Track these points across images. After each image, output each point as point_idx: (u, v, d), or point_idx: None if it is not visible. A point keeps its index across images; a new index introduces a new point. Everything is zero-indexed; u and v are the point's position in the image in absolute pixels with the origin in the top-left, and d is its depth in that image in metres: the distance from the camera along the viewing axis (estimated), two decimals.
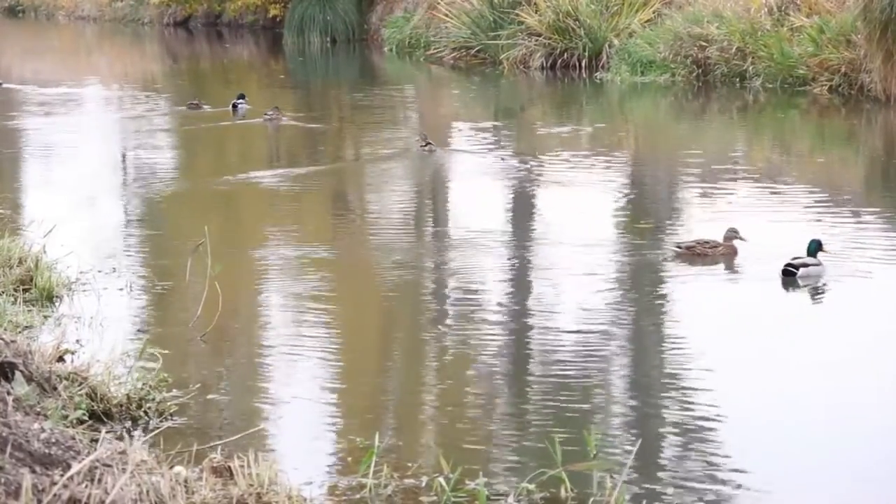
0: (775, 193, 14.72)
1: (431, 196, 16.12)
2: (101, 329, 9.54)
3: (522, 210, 14.81)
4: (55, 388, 7.36)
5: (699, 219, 13.64)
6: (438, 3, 31.64)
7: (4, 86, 28.31)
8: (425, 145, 18.06)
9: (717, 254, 11.52)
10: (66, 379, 7.55)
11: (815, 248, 11.11)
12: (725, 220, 12.24)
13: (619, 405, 8.22)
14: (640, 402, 8.27)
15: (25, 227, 12.68)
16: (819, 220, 13.14)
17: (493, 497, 6.53)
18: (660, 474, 6.99)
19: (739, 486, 6.81)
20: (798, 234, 11.81)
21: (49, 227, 11.41)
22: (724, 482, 6.88)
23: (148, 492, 5.67)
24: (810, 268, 10.94)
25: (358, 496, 6.60)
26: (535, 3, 28.26)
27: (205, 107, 23.36)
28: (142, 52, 41.70)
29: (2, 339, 7.52)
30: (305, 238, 13.09)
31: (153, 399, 7.76)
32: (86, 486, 5.40)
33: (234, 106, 22.64)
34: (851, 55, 22.28)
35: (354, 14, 37.90)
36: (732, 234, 11.62)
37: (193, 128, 21.73)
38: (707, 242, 11.57)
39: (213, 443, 7.07)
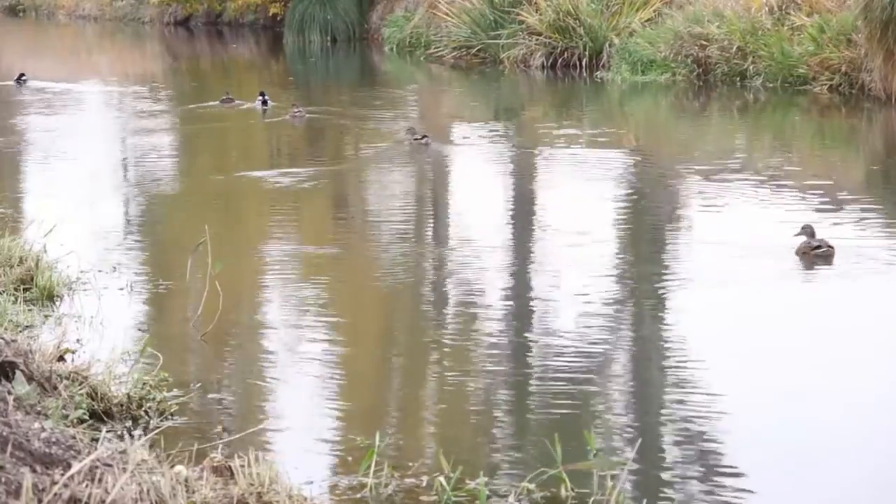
0: (781, 190, 14.70)
1: (433, 193, 16.12)
2: (101, 328, 9.55)
3: (523, 207, 14.81)
4: (56, 388, 7.36)
5: (704, 218, 13.64)
6: (438, 3, 31.64)
7: (29, 83, 28.24)
8: (421, 138, 18.02)
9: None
10: (67, 378, 7.55)
11: None
12: (730, 219, 12.21)
13: (620, 404, 8.22)
14: (641, 401, 8.27)
15: (26, 227, 12.68)
16: (836, 217, 13.09)
17: (493, 496, 6.53)
18: (660, 473, 6.99)
19: (741, 485, 6.81)
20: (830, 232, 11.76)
21: (50, 227, 11.41)
22: (725, 481, 6.88)
23: (148, 491, 5.67)
24: None
25: (358, 495, 6.61)
26: (535, 3, 28.27)
27: (237, 102, 23.83)
28: (143, 51, 41.71)
29: (2, 338, 7.52)
30: (306, 236, 13.11)
31: (154, 398, 7.76)
32: (86, 486, 5.40)
33: (265, 102, 23.14)
34: (852, 54, 22.27)
35: (355, 13, 37.89)
36: (810, 229, 11.35)
37: (225, 125, 21.94)
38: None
39: (214, 442, 7.07)
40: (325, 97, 27.06)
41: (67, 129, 22.27)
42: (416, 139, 18.04)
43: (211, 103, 24.12)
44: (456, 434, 7.63)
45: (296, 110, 21.79)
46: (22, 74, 28.31)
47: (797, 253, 11.33)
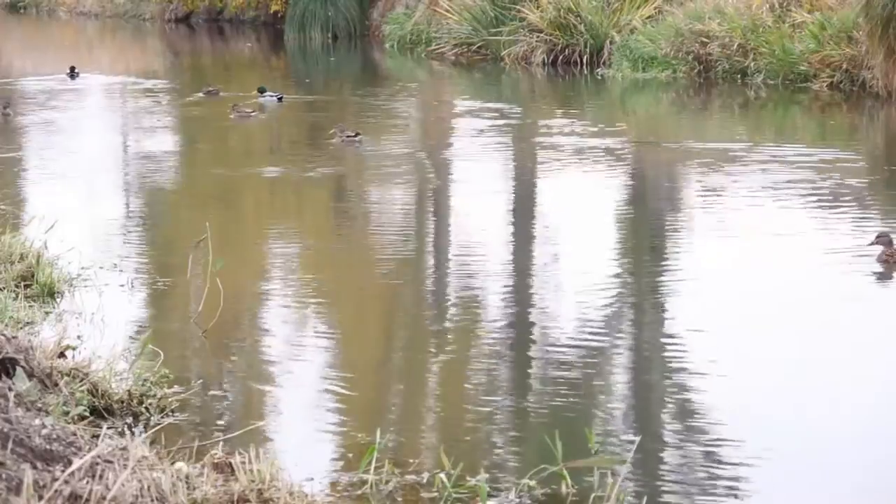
0: (783, 187, 14.69)
1: (433, 188, 16.10)
2: (102, 325, 9.54)
3: (524, 207, 14.80)
4: (56, 384, 7.36)
5: (704, 213, 13.64)
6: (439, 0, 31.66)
7: (81, 76, 28.15)
8: (354, 135, 18.09)
9: None
10: (68, 375, 7.55)
11: None
12: (730, 214, 12.16)
13: (620, 401, 8.22)
14: (641, 398, 8.27)
15: (27, 223, 12.67)
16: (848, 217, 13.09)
17: (493, 493, 6.54)
18: (661, 471, 6.99)
19: (742, 483, 6.81)
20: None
21: (51, 223, 11.40)
22: (727, 479, 6.87)
23: (149, 488, 5.67)
24: None
25: (359, 492, 6.61)
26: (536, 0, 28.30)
27: (221, 93, 23.79)
28: (149, 48, 41.67)
29: (3, 335, 7.52)
30: (307, 231, 13.10)
31: (154, 395, 7.76)
32: (87, 482, 5.40)
33: (279, 98, 23.11)
34: (853, 51, 22.27)
35: (356, 10, 37.87)
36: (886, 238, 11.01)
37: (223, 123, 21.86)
38: None
39: (215, 439, 7.07)
40: (338, 93, 27.07)
41: (84, 123, 22.33)
42: (347, 136, 18.10)
43: (195, 96, 24.18)
44: (457, 431, 7.62)
45: (347, 134, 18.33)
46: (73, 67, 28.21)
47: (879, 260, 10.92)
